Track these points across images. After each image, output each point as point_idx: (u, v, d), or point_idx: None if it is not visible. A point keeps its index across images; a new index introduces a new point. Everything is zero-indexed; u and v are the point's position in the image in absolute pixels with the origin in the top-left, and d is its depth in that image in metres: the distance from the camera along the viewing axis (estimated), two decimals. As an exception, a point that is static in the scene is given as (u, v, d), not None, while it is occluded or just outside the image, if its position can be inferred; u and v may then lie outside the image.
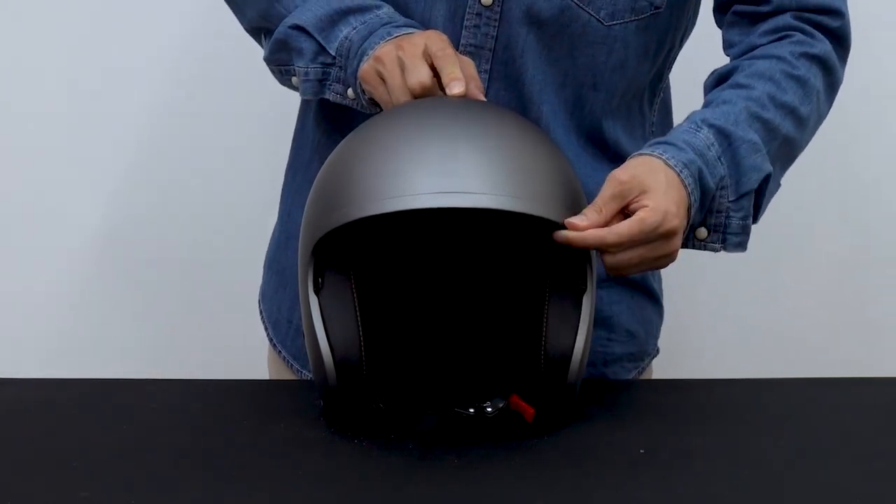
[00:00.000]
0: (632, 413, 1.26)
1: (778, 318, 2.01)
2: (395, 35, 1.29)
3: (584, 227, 1.16)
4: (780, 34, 1.37)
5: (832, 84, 1.38)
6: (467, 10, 1.35)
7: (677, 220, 1.20)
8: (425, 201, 1.11)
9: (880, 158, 1.97)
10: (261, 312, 1.55)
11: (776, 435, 1.20)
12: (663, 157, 1.23)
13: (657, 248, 1.20)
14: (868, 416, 1.26)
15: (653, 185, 1.20)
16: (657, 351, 1.52)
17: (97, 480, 1.08)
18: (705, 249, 1.29)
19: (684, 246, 1.28)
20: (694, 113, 1.32)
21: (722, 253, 1.27)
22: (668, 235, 1.20)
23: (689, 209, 1.23)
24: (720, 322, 2.00)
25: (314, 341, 1.17)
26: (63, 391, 1.33)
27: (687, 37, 1.45)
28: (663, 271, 1.43)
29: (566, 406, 1.19)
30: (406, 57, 1.25)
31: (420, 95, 1.23)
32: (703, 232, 1.28)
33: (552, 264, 1.20)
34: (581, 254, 1.17)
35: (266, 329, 1.53)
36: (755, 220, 1.31)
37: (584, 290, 1.18)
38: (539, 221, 1.16)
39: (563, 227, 1.16)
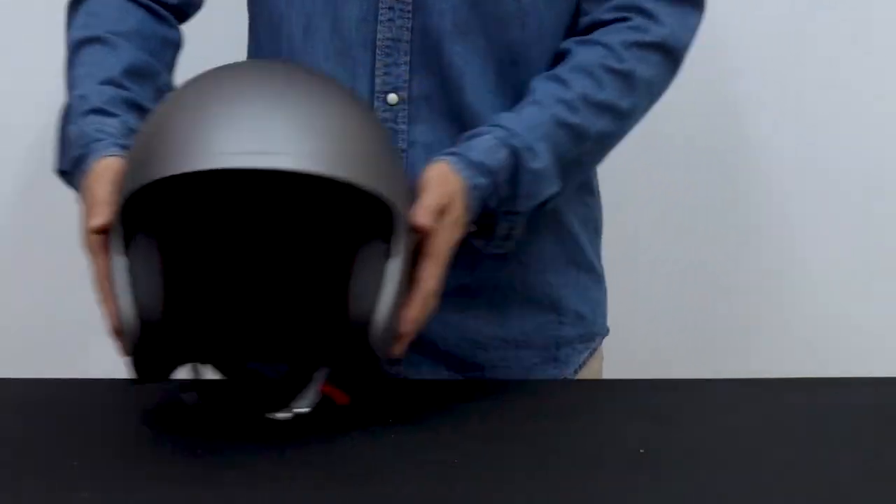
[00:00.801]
0: (632, 413, 1.26)
1: (778, 318, 2.01)
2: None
3: (423, 226, 1.21)
4: (622, 14, 1.39)
5: (674, 58, 1.41)
6: (380, 5, 1.36)
7: (453, 239, 1.27)
8: (223, 161, 1.11)
9: (881, 157, 1.97)
10: None
11: (776, 435, 1.20)
12: (461, 175, 1.27)
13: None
14: (868, 416, 1.26)
15: (458, 200, 1.26)
16: (607, 330, 1.53)
17: (97, 480, 1.08)
18: (469, 239, 1.33)
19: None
20: (501, 117, 1.34)
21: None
22: (450, 238, 1.26)
23: (465, 224, 1.29)
24: (720, 322, 2.00)
25: (118, 299, 1.16)
26: (63, 391, 1.33)
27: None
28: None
29: (371, 373, 1.18)
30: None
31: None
32: (470, 227, 1.31)
33: (361, 229, 1.19)
34: (389, 219, 1.17)
35: None
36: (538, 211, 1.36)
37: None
38: (350, 186, 1.15)
39: (369, 192, 1.16)
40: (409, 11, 1.37)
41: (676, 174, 1.96)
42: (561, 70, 1.37)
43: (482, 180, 1.29)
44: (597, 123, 1.36)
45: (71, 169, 1.30)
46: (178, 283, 1.19)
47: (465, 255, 1.41)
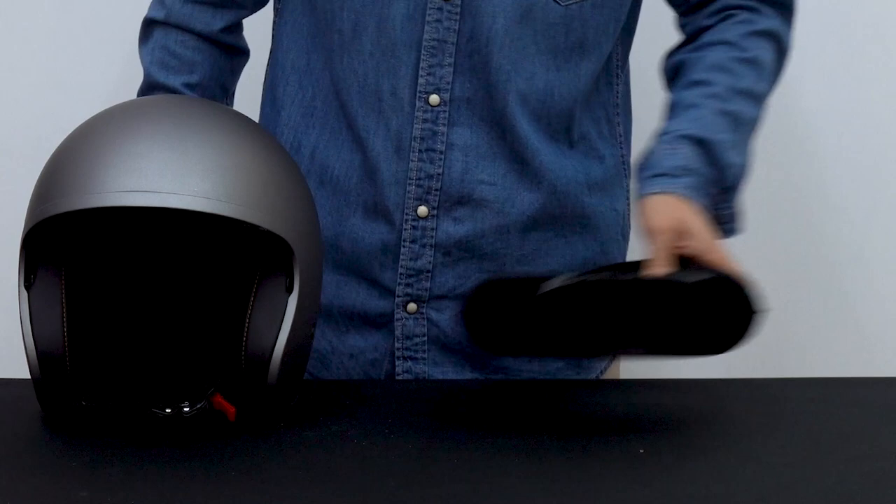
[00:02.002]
0: (632, 413, 1.26)
1: (779, 318, 2.01)
2: None
3: (665, 273, 1.25)
4: (725, 14, 1.44)
5: (781, 51, 1.46)
6: (428, 5, 1.36)
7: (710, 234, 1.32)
8: (113, 199, 1.13)
9: (881, 158, 1.97)
10: None
11: (776, 435, 1.20)
12: (675, 192, 1.32)
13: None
14: (868, 416, 1.26)
15: (688, 221, 1.30)
16: None
17: (97, 480, 1.08)
18: None
19: None
20: (667, 126, 1.38)
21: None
22: (717, 246, 1.31)
23: (706, 207, 1.34)
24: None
25: (22, 335, 1.19)
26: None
27: (638, 11, 1.49)
28: None
29: (269, 405, 1.21)
30: None
31: None
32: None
33: (259, 264, 1.21)
34: (288, 256, 1.19)
35: None
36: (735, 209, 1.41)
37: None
38: (248, 223, 1.17)
39: (260, 227, 1.17)
40: (457, 14, 1.36)
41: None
42: (695, 75, 1.41)
43: (688, 178, 1.33)
44: (746, 110, 1.40)
45: None
46: (82, 318, 1.22)
47: (491, 261, 1.41)
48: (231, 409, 1.19)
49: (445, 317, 1.41)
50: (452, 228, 1.40)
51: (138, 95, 1.50)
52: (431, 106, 1.38)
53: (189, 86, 1.47)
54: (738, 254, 1.32)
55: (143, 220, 1.25)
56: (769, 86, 1.44)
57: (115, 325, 1.27)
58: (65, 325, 1.19)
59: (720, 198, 1.37)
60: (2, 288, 1.95)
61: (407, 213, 1.40)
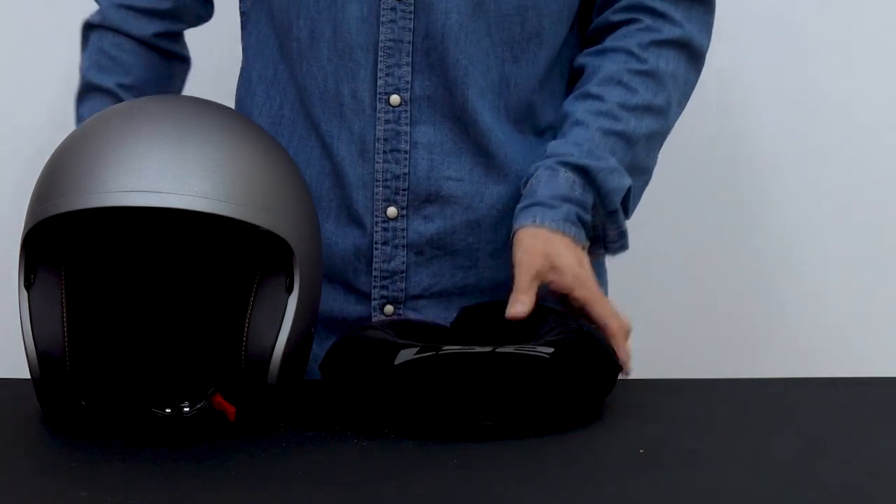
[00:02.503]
0: (632, 413, 1.26)
1: (778, 318, 2.01)
2: None
3: (527, 312, 1.29)
4: (631, 16, 1.43)
5: (693, 56, 1.45)
6: (381, 6, 1.37)
7: (582, 270, 1.34)
8: (113, 199, 1.13)
9: (880, 157, 1.97)
10: None
11: (776, 435, 1.20)
12: (546, 225, 1.34)
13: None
14: (868, 416, 1.26)
15: (556, 257, 1.33)
16: None
17: (97, 480, 1.08)
18: (590, 255, 1.38)
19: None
20: (551, 147, 1.39)
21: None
22: (586, 282, 1.34)
23: (583, 247, 1.37)
24: (719, 322, 2.00)
25: (22, 335, 1.19)
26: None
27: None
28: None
29: (268, 406, 1.21)
30: None
31: None
32: (586, 245, 1.38)
33: (259, 264, 1.21)
34: (288, 256, 1.19)
35: None
36: (627, 216, 1.43)
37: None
38: (248, 223, 1.17)
39: (260, 227, 1.17)
40: (410, 12, 1.37)
41: (679, 175, 1.96)
42: (590, 87, 1.41)
43: (563, 209, 1.34)
44: (641, 126, 1.40)
45: None
46: (82, 318, 1.22)
47: (464, 257, 1.42)
48: (231, 409, 1.19)
49: (423, 317, 1.41)
50: (423, 227, 1.41)
51: (76, 99, 1.51)
52: (392, 106, 1.38)
53: (123, 86, 1.49)
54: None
55: (143, 220, 1.26)
56: (673, 95, 1.43)
57: (115, 325, 1.27)
58: (65, 325, 1.19)
59: (605, 220, 1.39)
60: (2, 288, 1.96)
61: (377, 216, 1.40)
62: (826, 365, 1.93)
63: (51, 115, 1.93)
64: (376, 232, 1.41)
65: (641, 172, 1.43)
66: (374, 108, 1.39)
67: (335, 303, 1.44)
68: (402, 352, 1.20)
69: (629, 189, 1.40)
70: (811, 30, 1.94)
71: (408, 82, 1.39)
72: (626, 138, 1.39)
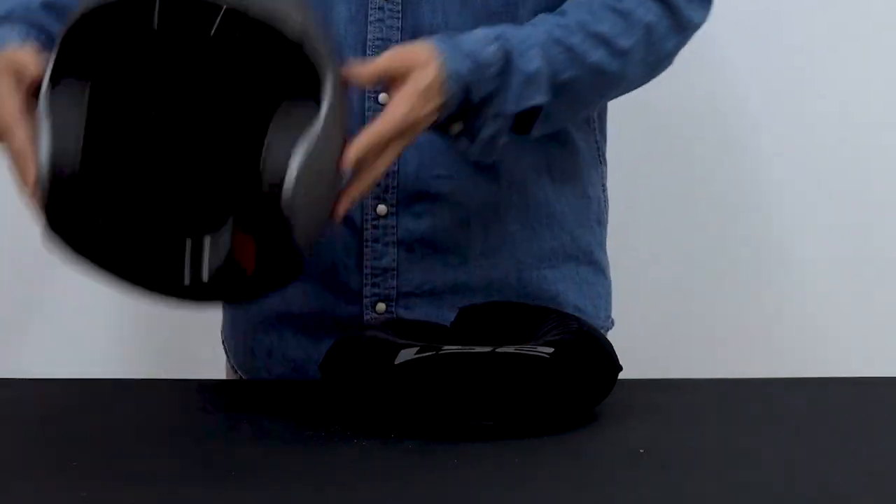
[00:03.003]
0: (632, 413, 1.26)
1: (779, 318, 2.01)
2: None
3: (358, 73, 1.23)
4: None
5: (679, 23, 1.39)
6: (369, 5, 1.37)
7: (420, 115, 1.25)
8: None
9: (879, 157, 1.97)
10: (223, 342, 1.55)
11: (776, 435, 1.20)
12: (442, 59, 1.26)
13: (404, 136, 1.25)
14: (868, 416, 1.26)
15: (415, 77, 1.24)
16: (612, 323, 1.53)
17: (97, 480, 1.08)
18: (454, 144, 1.32)
19: (434, 131, 1.30)
20: (498, 26, 1.33)
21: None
22: (413, 128, 1.25)
23: (439, 109, 1.26)
24: (719, 322, 2.00)
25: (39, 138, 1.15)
26: (63, 391, 1.33)
27: None
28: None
29: (287, 254, 1.15)
30: None
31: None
32: (457, 127, 1.30)
33: (284, 86, 1.17)
34: (316, 68, 1.15)
35: (228, 358, 1.53)
36: (527, 134, 1.34)
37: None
38: (280, 48, 1.14)
39: (290, 39, 1.14)
40: (398, 11, 1.37)
41: (681, 171, 1.96)
42: (562, 7, 1.37)
43: (467, 66, 1.27)
44: (593, 53, 1.34)
45: None
46: (100, 137, 1.17)
47: (455, 254, 1.42)
48: (251, 256, 1.15)
49: (415, 315, 1.41)
50: (413, 224, 1.41)
51: None
52: (381, 104, 1.38)
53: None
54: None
55: (176, 27, 1.19)
56: (641, 45, 1.37)
57: (134, 142, 1.21)
58: (83, 134, 1.15)
59: (491, 118, 1.30)
60: (2, 288, 1.96)
61: (367, 214, 1.40)
62: (826, 365, 1.93)
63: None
64: (366, 230, 1.41)
65: (571, 102, 1.37)
66: (364, 107, 1.38)
67: (327, 302, 1.43)
68: (402, 352, 1.20)
69: (537, 108, 1.33)
70: (812, 28, 1.94)
71: None
72: (571, 55, 1.33)
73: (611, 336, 1.52)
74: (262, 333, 1.47)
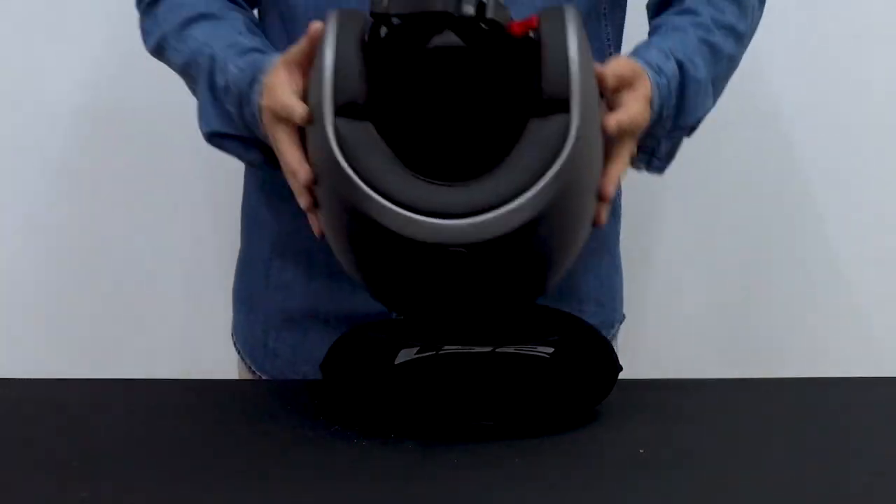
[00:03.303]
0: (632, 413, 1.25)
1: (777, 317, 2.01)
2: (259, 102, 1.26)
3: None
4: None
5: (762, 2, 1.45)
6: None
7: (644, 122, 1.25)
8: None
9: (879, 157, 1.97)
10: (234, 345, 1.54)
11: (776, 435, 1.20)
12: (649, 75, 1.27)
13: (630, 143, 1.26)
14: (868, 416, 1.26)
15: (644, 85, 1.26)
16: (623, 317, 1.53)
17: (97, 480, 1.08)
18: (632, 166, 1.33)
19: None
20: (653, 40, 1.35)
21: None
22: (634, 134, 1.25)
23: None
24: (720, 322, 2.00)
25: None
26: (63, 391, 1.33)
27: None
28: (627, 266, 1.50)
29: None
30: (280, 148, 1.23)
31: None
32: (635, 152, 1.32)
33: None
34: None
35: (243, 359, 1.53)
36: (689, 135, 1.37)
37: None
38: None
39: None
40: None
41: (679, 175, 1.96)
42: (683, 5, 1.39)
43: (663, 80, 1.29)
44: (726, 45, 1.38)
45: (237, 107, 1.29)
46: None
47: None
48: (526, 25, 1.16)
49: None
50: None
51: (165, 48, 1.41)
52: None
53: (220, 10, 1.40)
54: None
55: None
56: (750, 28, 1.42)
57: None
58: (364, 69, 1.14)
59: (667, 134, 1.34)
60: (2, 288, 1.96)
61: None
62: (837, 365, 1.93)
63: (73, 120, 1.93)
64: None
65: (715, 98, 1.40)
66: None
67: (356, 299, 1.42)
68: (403, 351, 1.20)
69: (703, 116, 1.37)
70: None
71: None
72: (715, 52, 1.37)
73: (620, 331, 1.52)
74: (285, 332, 1.47)
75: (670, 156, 1.37)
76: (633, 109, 1.24)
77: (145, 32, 1.44)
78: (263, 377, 1.49)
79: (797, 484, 1.08)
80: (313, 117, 1.16)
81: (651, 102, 1.27)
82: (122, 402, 1.29)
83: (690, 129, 1.37)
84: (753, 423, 1.24)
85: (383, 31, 1.19)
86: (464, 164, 1.15)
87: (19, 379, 1.34)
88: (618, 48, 1.48)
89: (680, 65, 1.32)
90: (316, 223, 1.24)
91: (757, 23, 1.45)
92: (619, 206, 1.52)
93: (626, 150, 1.25)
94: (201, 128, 1.35)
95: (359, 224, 1.12)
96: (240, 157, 1.36)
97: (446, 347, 1.20)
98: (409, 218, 1.10)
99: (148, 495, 1.05)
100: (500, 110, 1.19)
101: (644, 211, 1.89)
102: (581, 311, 1.45)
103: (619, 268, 1.52)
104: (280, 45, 1.41)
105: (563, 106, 1.13)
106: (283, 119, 1.22)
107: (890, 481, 1.09)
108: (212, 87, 1.33)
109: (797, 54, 1.93)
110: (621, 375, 1.27)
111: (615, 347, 1.52)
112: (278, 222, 1.46)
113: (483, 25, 1.16)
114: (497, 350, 1.19)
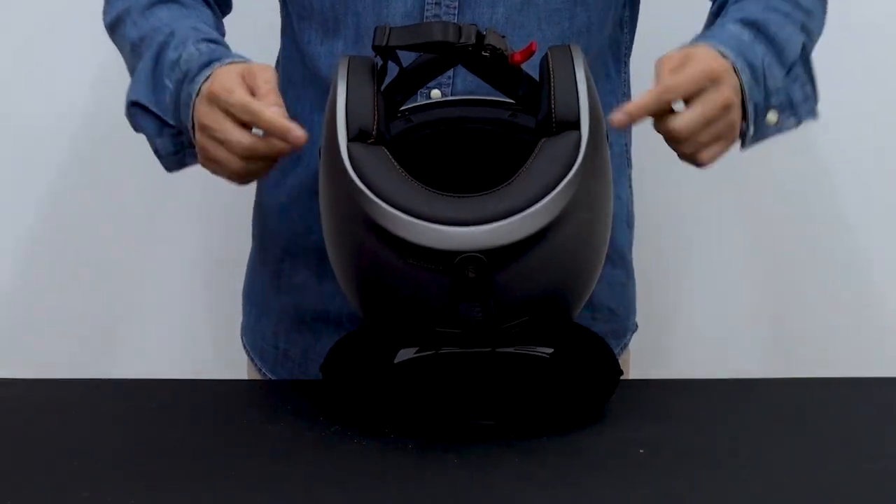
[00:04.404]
0: (632, 413, 1.25)
1: (777, 317, 2.01)
2: (202, 84, 1.26)
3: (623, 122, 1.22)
4: None
5: None
6: (425, 1, 1.35)
7: (723, 68, 1.23)
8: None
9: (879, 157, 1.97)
10: (244, 346, 1.54)
11: (776, 435, 1.20)
12: (701, 43, 1.26)
13: (713, 100, 1.22)
14: (868, 416, 1.26)
15: (698, 54, 1.23)
16: (636, 326, 1.53)
17: (97, 480, 1.08)
18: (783, 131, 1.32)
19: (761, 137, 1.30)
20: (737, 12, 1.34)
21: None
22: (717, 80, 1.22)
23: (737, 73, 1.25)
24: (720, 322, 2.00)
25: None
26: (63, 391, 1.33)
27: None
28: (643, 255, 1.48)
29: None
30: (217, 125, 1.23)
31: (250, 155, 1.22)
32: (773, 116, 1.30)
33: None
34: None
35: (252, 361, 1.52)
36: (813, 87, 1.34)
37: None
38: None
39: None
40: (455, 6, 1.35)
41: (679, 175, 1.96)
42: None
43: (724, 39, 1.28)
44: (794, 14, 1.36)
45: (177, 83, 1.29)
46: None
47: None
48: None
49: None
50: None
51: (119, 24, 1.41)
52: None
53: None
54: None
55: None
56: (818, 5, 1.40)
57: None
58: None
59: (786, 78, 1.32)
60: (2, 287, 1.96)
61: None
62: (840, 366, 1.93)
63: (82, 119, 1.93)
64: None
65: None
66: (416, 103, 1.38)
67: (344, 302, 1.42)
68: (402, 351, 1.20)
69: (804, 45, 1.33)
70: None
71: (450, 77, 1.36)
72: (786, 15, 1.34)
73: (633, 340, 1.52)
74: (296, 334, 1.47)
75: (809, 96, 1.33)
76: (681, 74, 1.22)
77: (108, 3, 1.44)
78: (273, 378, 1.49)
79: (797, 484, 1.08)
80: (327, 147, 1.17)
81: (725, 57, 1.25)
82: (121, 403, 1.29)
83: (806, 64, 1.34)
84: (753, 423, 1.24)
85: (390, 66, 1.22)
86: (475, 185, 1.17)
87: (21, 379, 1.34)
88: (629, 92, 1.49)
89: (745, 21, 1.30)
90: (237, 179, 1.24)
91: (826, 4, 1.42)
92: (632, 214, 1.51)
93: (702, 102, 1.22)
94: (127, 97, 1.35)
95: (372, 237, 1.13)
96: (148, 139, 1.35)
97: (446, 347, 1.20)
98: (424, 226, 1.10)
99: (148, 495, 1.05)
100: (508, 139, 1.25)
101: (657, 220, 1.89)
102: (593, 319, 1.44)
103: (633, 276, 1.52)
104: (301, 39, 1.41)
105: (573, 127, 1.15)
106: (221, 106, 1.22)
107: (890, 481, 1.09)
108: (158, 58, 1.33)
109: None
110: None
111: (628, 356, 1.52)
112: (290, 224, 1.46)
113: (484, 54, 1.18)
114: (497, 350, 1.19)
